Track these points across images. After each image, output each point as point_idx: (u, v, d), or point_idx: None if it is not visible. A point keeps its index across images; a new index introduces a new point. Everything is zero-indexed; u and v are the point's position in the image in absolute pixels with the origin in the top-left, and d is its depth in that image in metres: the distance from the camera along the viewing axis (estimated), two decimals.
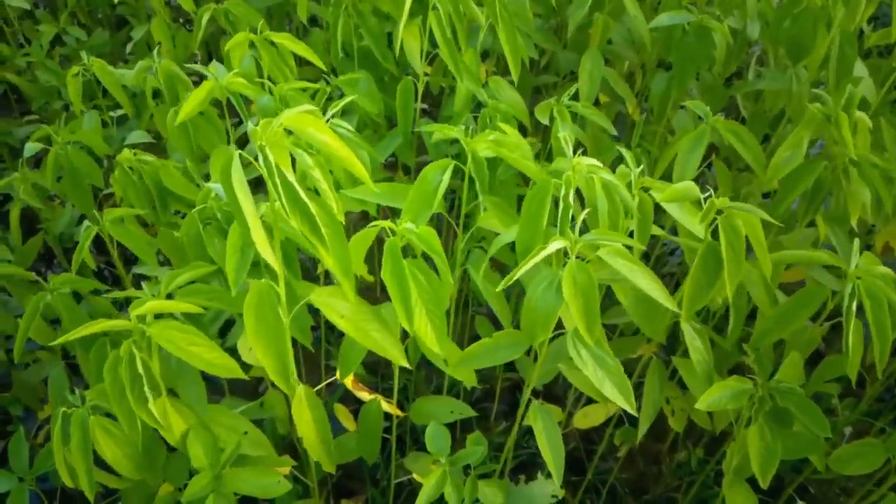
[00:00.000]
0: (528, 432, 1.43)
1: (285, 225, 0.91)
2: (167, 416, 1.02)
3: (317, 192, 0.87)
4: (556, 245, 0.93)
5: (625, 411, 1.06)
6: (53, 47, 2.38)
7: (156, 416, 0.95)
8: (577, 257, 0.95)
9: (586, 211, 0.98)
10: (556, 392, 1.90)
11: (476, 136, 1.16)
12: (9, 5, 2.28)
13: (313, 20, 2.36)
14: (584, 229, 0.99)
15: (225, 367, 0.97)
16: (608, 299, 1.22)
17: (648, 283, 0.97)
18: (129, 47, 2.18)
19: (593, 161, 1.05)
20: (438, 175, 1.10)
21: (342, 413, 1.40)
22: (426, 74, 1.61)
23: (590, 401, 1.50)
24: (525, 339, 1.05)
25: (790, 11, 1.54)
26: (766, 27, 1.76)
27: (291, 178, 0.81)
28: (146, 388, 0.93)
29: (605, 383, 1.00)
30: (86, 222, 1.33)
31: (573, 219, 0.98)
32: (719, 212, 1.05)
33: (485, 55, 1.97)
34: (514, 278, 0.94)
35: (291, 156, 0.82)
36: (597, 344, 0.99)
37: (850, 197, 1.33)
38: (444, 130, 1.17)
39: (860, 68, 1.60)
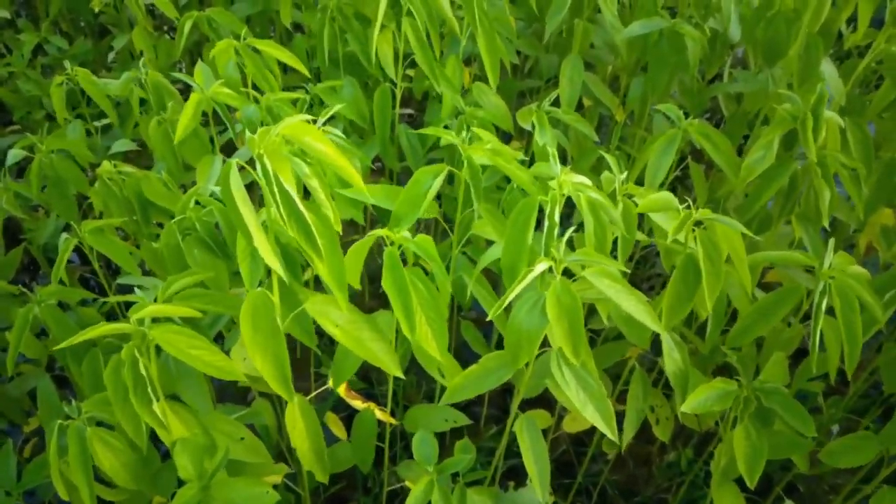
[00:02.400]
0: None
1: (283, 231, 0.91)
2: (168, 420, 1.02)
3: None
4: (541, 267, 0.92)
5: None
6: (35, 57, 2.36)
7: (161, 417, 0.94)
8: (564, 274, 0.95)
9: (571, 229, 0.98)
10: (546, 396, 1.90)
11: (474, 144, 1.16)
12: None
13: (296, 26, 2.36)
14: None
15: (226, 370, 0.97)
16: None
17: (633, 305, 0.96)
18: (111, 56, 2.17)
19: (581, 178, 1.04)
20: (430, 179, 1.10)
21: (333, 421, 1.40)
22: (409, 79, 1.62)
23: None
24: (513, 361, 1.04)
25: (763, 15, 1.56)
26: (746, 30, 1.77)
27: (289, 187, 0.81)
28: (150, 390, 0.93)
29: (586, 406, 0.99)
30: (64, 234, 1.33)
31: (563, 231, 0.98)
32: (699, 223, 1.06)
33: (469, 60, 1.98)
34: (505, 304, 0.93)
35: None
36: (582, 365, 0.98)
37: (821, 197, 1.34)
38: (440, 135, 1.17)
39: (829, 68, 1.61)
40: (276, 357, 0.96)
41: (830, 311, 1.15)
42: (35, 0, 2.62)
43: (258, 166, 0.80)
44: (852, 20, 1.75)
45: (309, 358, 1.79)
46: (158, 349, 0.97)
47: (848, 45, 1.83)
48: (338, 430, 1.38)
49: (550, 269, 0.94)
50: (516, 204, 1.04)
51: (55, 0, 2.26)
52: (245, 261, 0.95)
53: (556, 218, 0.97)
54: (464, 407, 1.92)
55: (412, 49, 1.44)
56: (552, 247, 0.96)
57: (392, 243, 0.99)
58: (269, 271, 0.95)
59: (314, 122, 1.14)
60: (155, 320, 0.97)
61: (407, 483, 1.28)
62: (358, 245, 1.01)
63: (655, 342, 1.21)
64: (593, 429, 1.53)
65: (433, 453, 1.17)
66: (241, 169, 0.86)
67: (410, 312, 0.97)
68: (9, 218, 1.70)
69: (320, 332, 1.04)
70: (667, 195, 1.08)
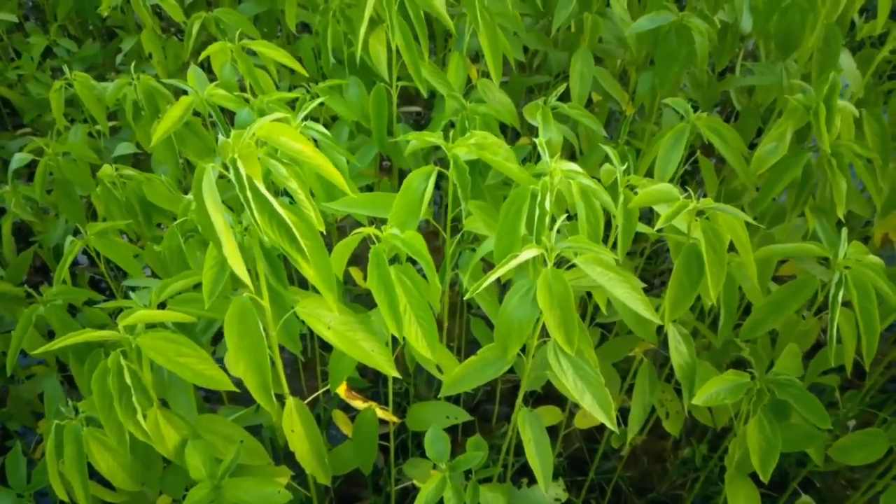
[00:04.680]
0: None
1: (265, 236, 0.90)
2: (159, 428, 1.00)
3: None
4: (528, 254, 0.90)
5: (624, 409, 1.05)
6: (44, 60, 2.37)
7: (144, 428, 0.93)
8: (559, 263, 0.93)
9: (563, 217, 0.97)
10: (558, 392, 1.89)
11: (457, 141, 1.14)
12: None
13: (304, 25, 2.36)
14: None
15: (215, 380, 0.95)
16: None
17: (627, 293, 0.94)
18: (119, 58, 2.18)
19: (571, 165, 1.03)
20: (423, 182, 1.08)
21: (341, 419, 1.39)
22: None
23: None
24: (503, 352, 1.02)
25: (777, 5, 1.53)
26: (758, 21, 1.75)
27: (265, 190, 0.79)
28: (134, 400, 0.92)
29: (584, 395, 0.97)
30: (69, 237, 1.33)
31: (554, 222, 0.97)
32: (702, 213, 1.04)
33: (477, 57, 1.97)
34: (484, 286, 0.91)
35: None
36: (578, 353, 0.96)
37: (836, 189, 1.32)
38: (423, 138, 1.15)
39: (847, 59, 1.59)
40: (258, 365, 0.94)
41: (847, 303, 1.13)
42: (43, 4, 2.64)
43: (231, 171, 0.78)
44: (864, 10, 1.72)
45: (317, 355, 1.79)
46: None
47: (861, 36, 1.81)
48: (346, 427, 1.37)
49: (544, 260, 0.92)
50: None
51: (63, 3, 2.27)
52: (212, 269, 0.92)
53: (548, 206, 0.95)
54: (475, 405, 1.92)
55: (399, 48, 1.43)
56: (543, 235, 0.94)
57: (380, 241, 0.97)
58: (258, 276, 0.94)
59: (316, 120, 1.14)
60: (150, 325, 0.96)
61: (415, 482, 1.27)
62: (342, 244, 0.99)
63: (668, 338, 1.20)
64: (604, 425, 1.53)
65: (445, 450, 1.16)
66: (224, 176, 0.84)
67: (397, 311, 0.95)
68: (21, 220, 1.71)
69: None
70: (667, 186, 1.06)
